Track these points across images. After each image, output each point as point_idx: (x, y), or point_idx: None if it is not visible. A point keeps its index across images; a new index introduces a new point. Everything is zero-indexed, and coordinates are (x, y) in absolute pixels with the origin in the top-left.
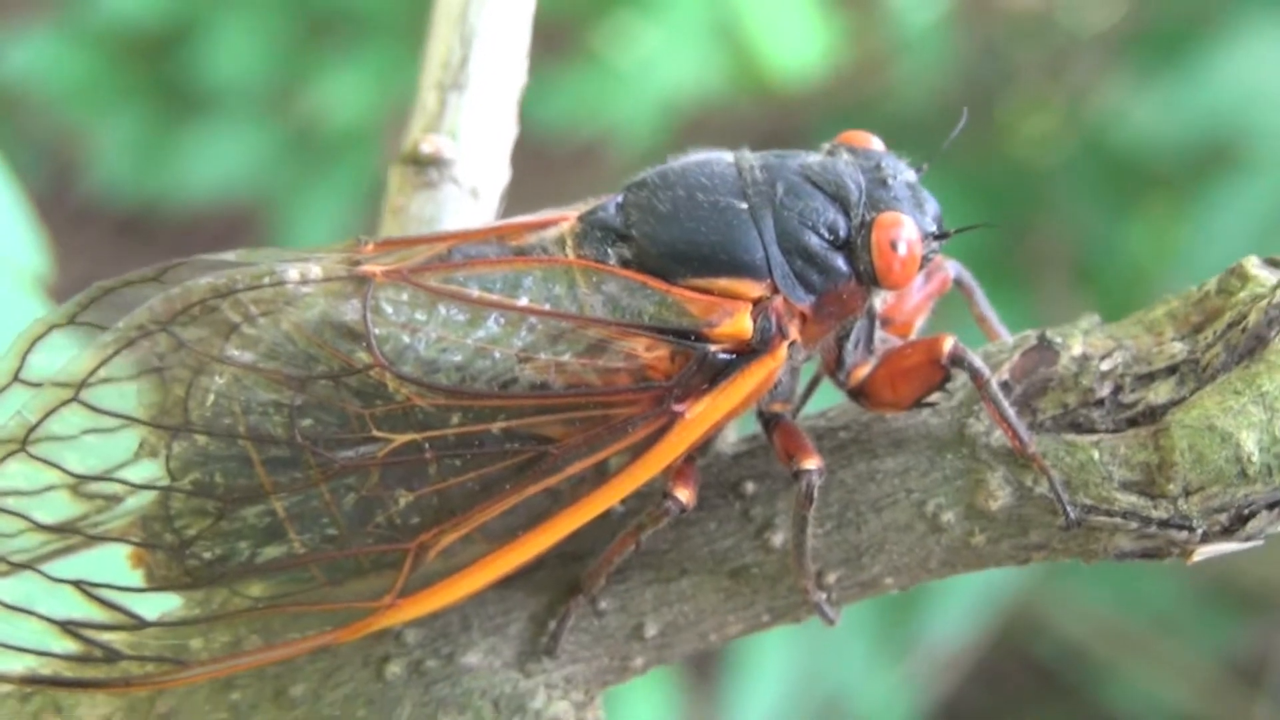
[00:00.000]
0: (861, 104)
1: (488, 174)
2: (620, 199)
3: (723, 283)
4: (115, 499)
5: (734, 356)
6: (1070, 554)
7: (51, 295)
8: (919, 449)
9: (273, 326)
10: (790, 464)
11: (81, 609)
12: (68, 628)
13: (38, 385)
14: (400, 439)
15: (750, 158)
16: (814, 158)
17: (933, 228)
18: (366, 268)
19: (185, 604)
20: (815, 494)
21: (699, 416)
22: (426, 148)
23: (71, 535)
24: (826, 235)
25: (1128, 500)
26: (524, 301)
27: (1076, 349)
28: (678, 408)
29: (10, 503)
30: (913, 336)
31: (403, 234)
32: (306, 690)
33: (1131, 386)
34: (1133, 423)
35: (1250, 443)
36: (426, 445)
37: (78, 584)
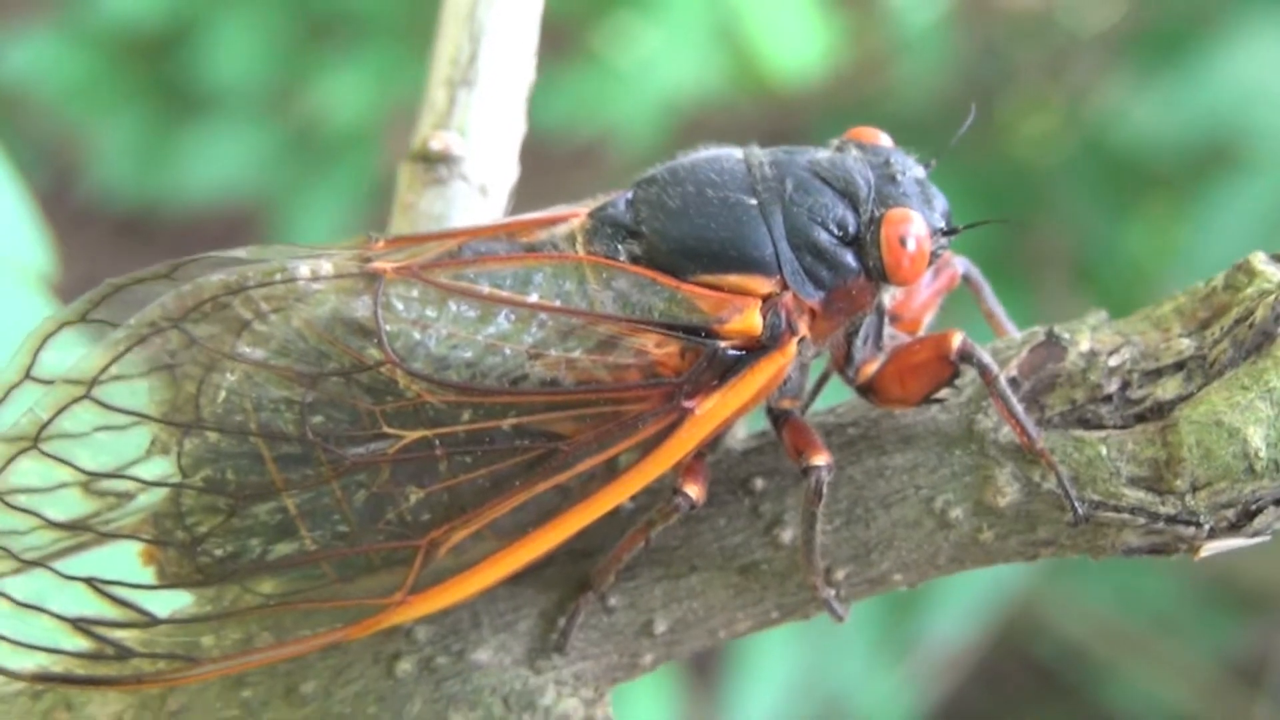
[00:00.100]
0: (861, 104)
1: (497, 171)
2: (630, 195)
3: (732, 279)
4: (127, 496)
5: (744, 353)
6: (1078, 550)
7: (54, 295)
8: (928, 445)
9: (284, 323)
10: (799, 460)
11: (93, 606)
12: (79, 625)
13: (49, 382)
14: (411, 435)
15: (759, 154)
16: (823, 154)
17: (941, 224)
18: (377, 264)
19: (196, 601)
20: (824, 490)
21: (709, 413)
22: (436, 144)
23: (83, 532)
24: (836, 231)
25: (1135, 496)
26: (534, 298)
27: (1084, 345)
28: (688, 404)
29: (22, 500)
30: (921, 333)
31: (413, 231)
32: (317, 687)
33: (1139, 382)
34: (1140, 418)
35: (1257, 438)
36: (437, 442)
37: (89, 581)
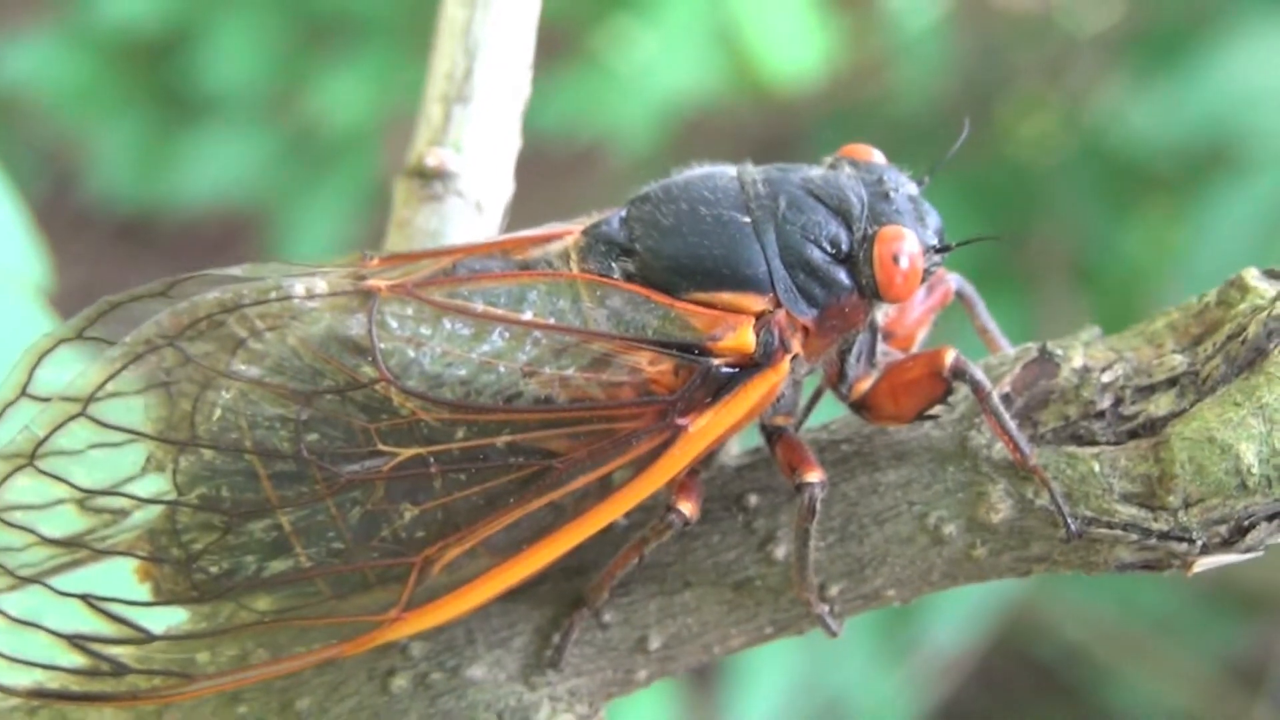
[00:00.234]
0: (860, 107)
1: (492, 187)
2: (624, 213)
3: (726, 297)
4: (122, 513)
5: (737, 370)
6: (1071, 566)
7: (51, 301)
8: (921, 461)
9: (279, 341)
10: (793, 477)
11: (89, 623)
12: (75, 641)
13: (45, 400)
14: (405, 453)
15: (753, 171)
16: (816, 171)
17: (934, 241)
18: (371, 282)
19: (192, 618)
20: (818, 507)
21: (702, 430)
22: (431, 161)
23: (79, 549)
24: (829, 249)
25: (1128, 512)
26: (528, 316)
27: (1077, 361)
28: (681, 421)
29: (18, 517)
30: (914, 349)
31: (408, 247)
32: (313, 703)
33: (1132, 398)
34: (1133, 435)
35: (1250, 455)
36: (431, 460)
37: (85, 598)
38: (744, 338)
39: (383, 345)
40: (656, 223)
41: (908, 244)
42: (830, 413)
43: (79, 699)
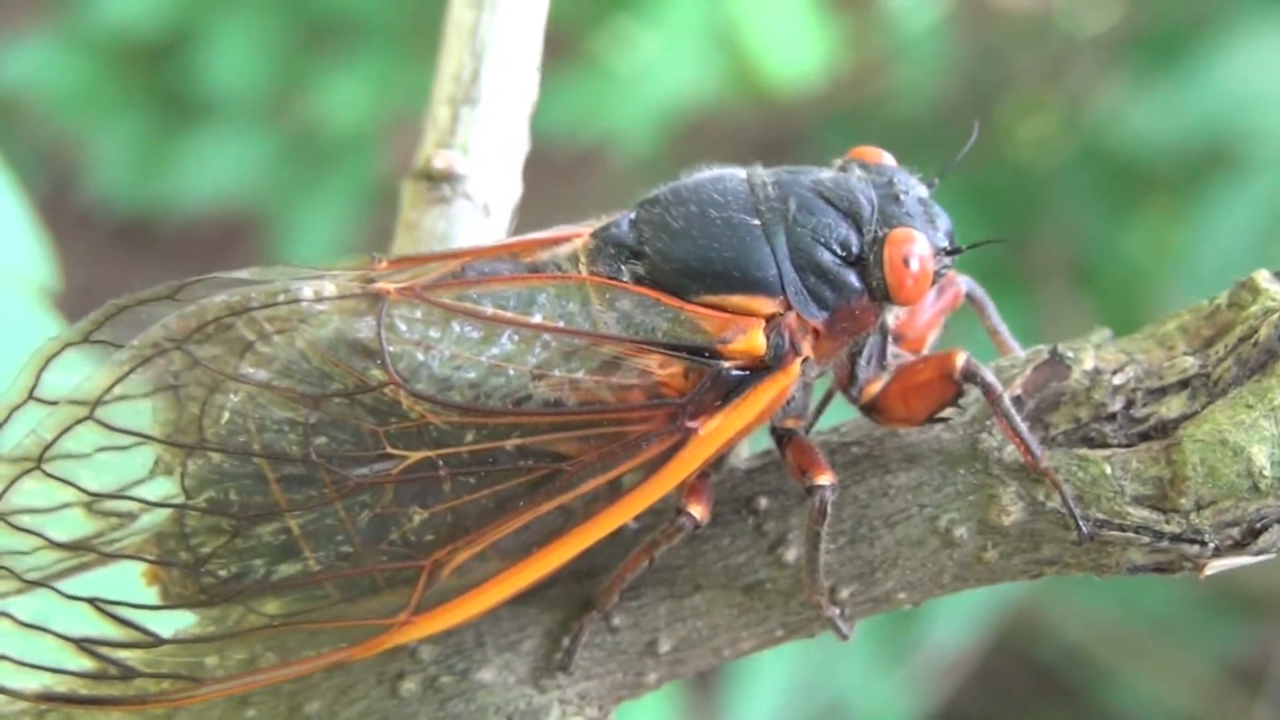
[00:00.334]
0: (860, 109)
1: (500, 189)
2: (633, 215)
3: (736, 299)
4: (130, 516)
5: (747, 373)
6: (1083, 569)
7: (53, 303)
8: (932, 464)
9: (287, 344)
10: (803, 479)
11: (96, 626)
12: (83, 645)
13: (53, 403)
14: (415, 456)
15: (763, 174)
16: (826, 174)
17: (945, 243)
18: (380, 285)
19: (200, 621)
20: (828, 509)
21: (712, 433)
22: (439, 163)
23: (86, 553)
24: (839, 251)
25: (1140, 515)
26: (538, 319)
27: (1088, 363)
28: (691, 424)
29: (26, 520)
30: (925, 352)
31: (416, 249)
32: (322, 707)
33: (1143, 401)
34: (1145, 437)
35: (1262, 457)
36: (441, 463)
37: (93, 601)
38: (754, 340)
39: (391, 348)
40: (666, 225)
41: (918, 246)
42: (841, 415)
43: (87, 703)
